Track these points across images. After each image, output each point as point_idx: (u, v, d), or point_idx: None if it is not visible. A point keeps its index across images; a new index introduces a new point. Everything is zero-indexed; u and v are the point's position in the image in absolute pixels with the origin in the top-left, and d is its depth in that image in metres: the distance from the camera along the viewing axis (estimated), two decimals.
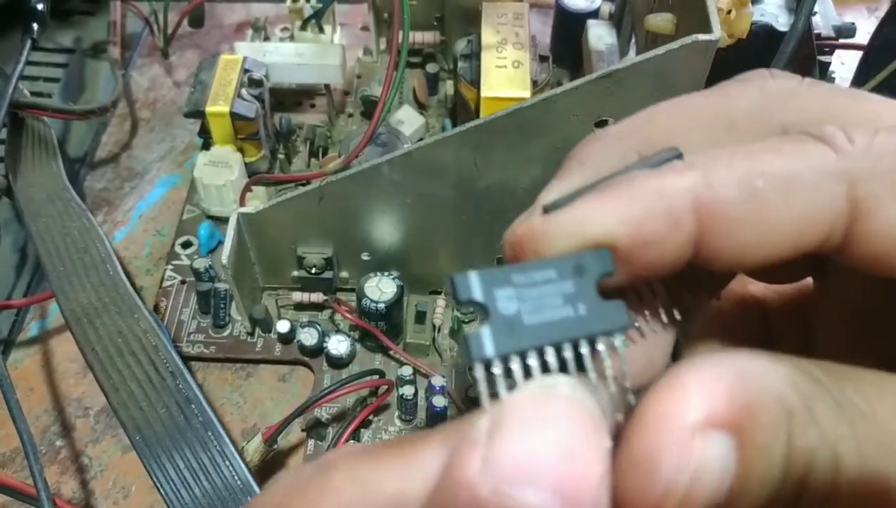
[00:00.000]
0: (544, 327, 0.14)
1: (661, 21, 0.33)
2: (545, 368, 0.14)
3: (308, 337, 0.38)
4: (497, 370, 0.14)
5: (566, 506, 0.12)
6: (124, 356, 0.34)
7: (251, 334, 0.40)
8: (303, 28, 0.50)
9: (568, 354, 0.14)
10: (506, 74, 0.39)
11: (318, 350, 0.39)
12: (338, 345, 0.38)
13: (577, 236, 0.15)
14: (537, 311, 0.14)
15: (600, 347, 0.15)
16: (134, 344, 0.34)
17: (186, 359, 0.39)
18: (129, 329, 0.34)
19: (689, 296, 0.16)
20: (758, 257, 0.15)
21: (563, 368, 0.14)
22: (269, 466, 0.35)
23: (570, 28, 0.48)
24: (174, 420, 0.32)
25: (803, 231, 0.14)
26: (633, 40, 0.44)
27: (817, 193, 0.14)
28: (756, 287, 0.20)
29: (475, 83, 0.40)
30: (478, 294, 0.14)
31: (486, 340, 0.14)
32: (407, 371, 0.36)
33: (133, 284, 0.37)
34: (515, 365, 0.14)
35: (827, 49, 0.41)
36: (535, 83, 0.40)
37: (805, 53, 0.37)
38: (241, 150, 0.43)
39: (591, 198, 0.15)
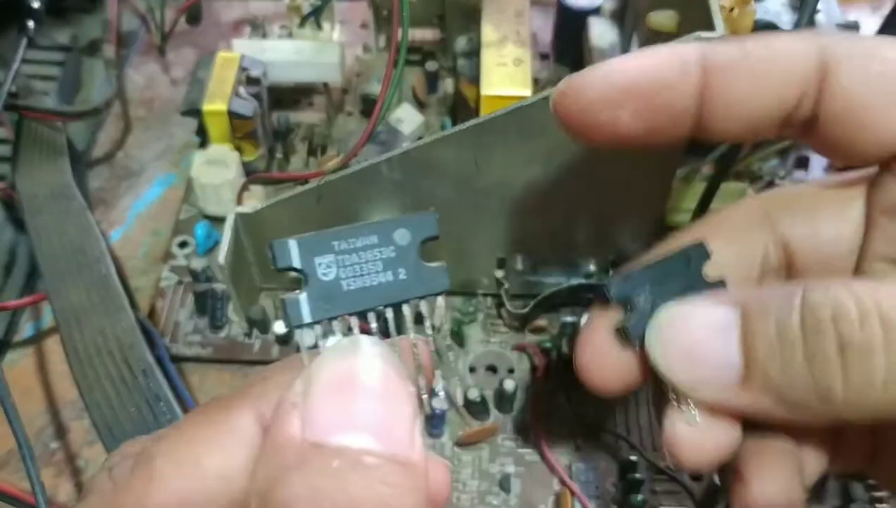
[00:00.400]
0: (363, 292, 0.15)
1: (663, 18, 0.33)
2: (367, 331, 0.15)
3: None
4: (313, 334, 0.15)
5: (383, 444, 0.13)
6: (102, 355, 0.33)
7: (248, 335, 0.39)
8: (301, 25, 0.49)
9: (388, 316, 0.15)
10: (506, 71, 0.39)
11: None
12: None
13: (613, 82, 0.18)
14: (357, 277, 0.15)
15: (405, 310, 0.16)
16: (112, 343, 0.34)
17: (181, 359, 0.39)
18: (111, 329, 0.34)
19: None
20: (751, 111, 0.18)
21: (384, 330, 0.15)
22: None
23: (571, 25, 0.48)
24: (143, 418, 0.32)
25: (786, 82, 0.18)
26: (634, 38, 0.44)
27: (795, 52, 0.18)
28: None
29: (475, 81, 0.40)
30: (296, 261, 0.15)
31: (304, 306, 0.15)
32: None
33: (125, 283, 0.37)
34: (337, 328, 0.15)
35: None
36: (536, 81, 0.40)
37: None
38: (238, 149, 0.43)
39: (622, 57, 0.19)
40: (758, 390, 0.17)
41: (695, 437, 0.18)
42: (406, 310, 0.15)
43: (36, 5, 0.44)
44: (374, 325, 0.15)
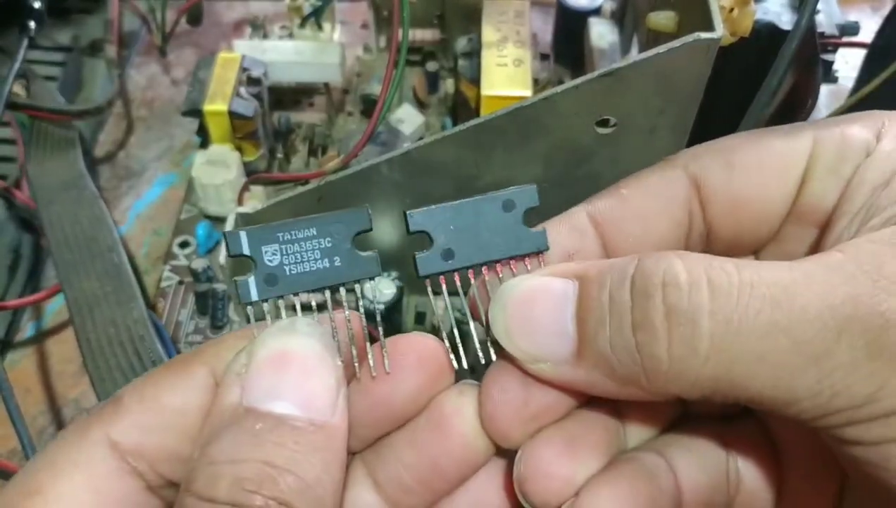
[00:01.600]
0: (303, 276, 0.18)
1: (663, 19, 0.33)
2: (308, 308, 0.18)
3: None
4: (265, 308, 0.17)
5: (303, 411, 0.16)
6: (113, 345, 0.34)
7: None
8: (302, 26, 0.49)
9: (323, 296, 0.18)
10: (507, 72, 0.39)
11: None
12: None
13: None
14: (298, 263, 0.18)
15: (342, 292, 0.18)
16: (124, 334, 0.34)
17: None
18: (123, 319, 0.34)
19: None
20: (653, 244, 0.20)
21: (321, 308, 0.18)
22: None
23: (571, 26, 0.48)
24: None
25: (669, 213, 0.20)
26: (634, 38, 0.44)
27: (668, 182, 0.20)
28: None
29: (476, 81, 0.40)
30: (246, 249, 0.18)
31: (252, 287, 0.18)
32: None
33: (137, 274, 0.37)
34: (282, 306, 0.18)
35: (830, 47, 0.41)
36: (536, 81, 0.40)
37: (809, 52, 0.37)
38: (239, 149, 0.43)
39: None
40: (590, 363, 0.17)
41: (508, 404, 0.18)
42: (370, 286, 0.18)
43: (37, 6, 0.44)
44: (313, 303, 0.18)
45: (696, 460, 0.20)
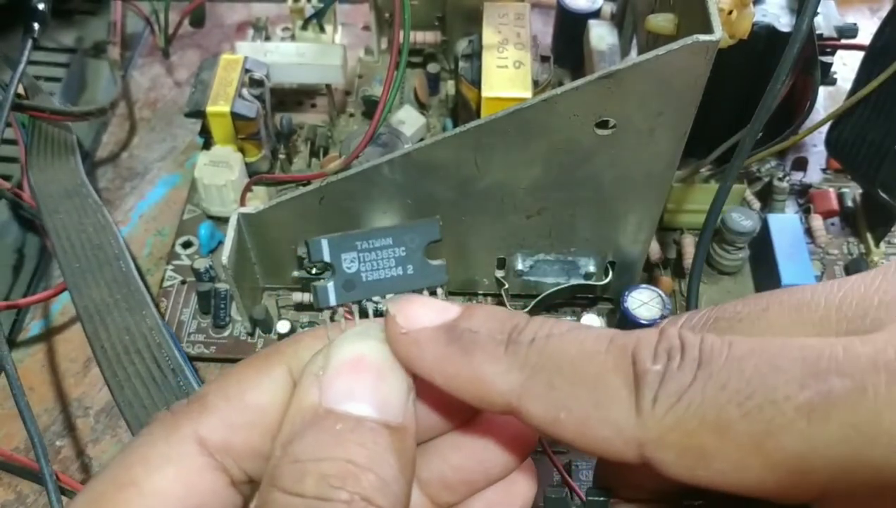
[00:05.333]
0: (378, 283, 0.19)
1: (662, 21, 0.33)
2: (379, 313, 0.19)
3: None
4: (340, 313, 0.19)
5: (378, 412, 0.17)
6: (130, 353, 0.34)
7: (251, 334, 0.40)
8: (304, 28, 0.50)
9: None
10: (507, 74, 0.39)
11: None
12: None
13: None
14: (374, 270, 0.19)
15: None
16: (140, 342, 0.34)
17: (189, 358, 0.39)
18: (137, 327, 0.35)
19: None
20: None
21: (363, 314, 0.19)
22: None
23: (571, 28, 0.48)
24: None
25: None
26: (634, 40, 0.44)
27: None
28: None
29: (476, 83, 0.40)
30: (327, 256, 0.18)
31: (331, 292, 0.19)
32: None
33: (144, 280, 0.37)
34: (356, 310, 0.19)
35: (829, 49, 0.41)
36: (536, 83, 0.40)
37: (807, 54, 0.37)
38: (241, 150, 0.43)
39: None
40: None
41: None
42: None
43: (41, 7, 0.44)
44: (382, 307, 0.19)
45: None
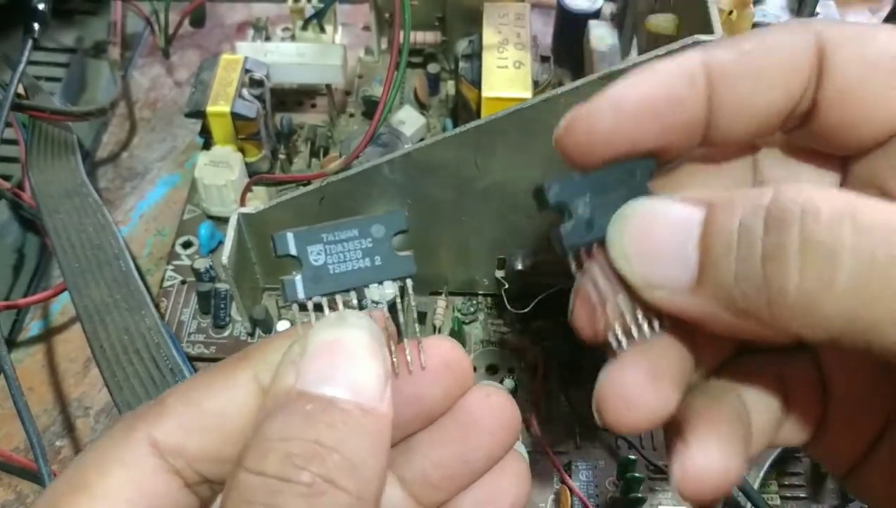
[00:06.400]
0: (346, 274, 0.19)
1: (662, 22, 0.33)
2: (349, 305, 0.19)
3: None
4: (309, 306, 0.18)
5: (353, 395, 0.17)
6: (129, 353, 0.34)
7: (251, 334, 0.40)
8: (304, 28, 0.50)
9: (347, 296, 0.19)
10: (507, 74, 0.39)
11: None
12: None
13: (624, 110, 0.18)
14: (341, 262, 0.19)
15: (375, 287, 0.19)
16: (139, 342, 0.34)
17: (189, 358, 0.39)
18: (136, 327, 0.35)
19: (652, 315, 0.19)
20: (759, 110, 0.18)
21: (362, 304, 0.19)
22: None
23: (571, 28, 0.48)
24: None
25: (788, 75, 0.18)
26: (634, 41, 0.44)
27: (792, 44, 0.18)
28: None
29: (476, 83, 0.40)
30: (293, 250, 0.18)
31: (298, 285, 0.18)
32: None
33: (144, 280, 0.37)
34: (325, 303, 0.19)
35: None
36: (536, 84, 0.40)
37: None
38: (241, 150, 0.43)
39: (626, 82, 0.18)
40: (709, 293, 0.16)
41: (631, 395, 0.18)
42: (376, 288, 0.19)
43: (41, 7, 0.44)
44: (353, 302, 0.19)
45: (760, 396, 0.20)
